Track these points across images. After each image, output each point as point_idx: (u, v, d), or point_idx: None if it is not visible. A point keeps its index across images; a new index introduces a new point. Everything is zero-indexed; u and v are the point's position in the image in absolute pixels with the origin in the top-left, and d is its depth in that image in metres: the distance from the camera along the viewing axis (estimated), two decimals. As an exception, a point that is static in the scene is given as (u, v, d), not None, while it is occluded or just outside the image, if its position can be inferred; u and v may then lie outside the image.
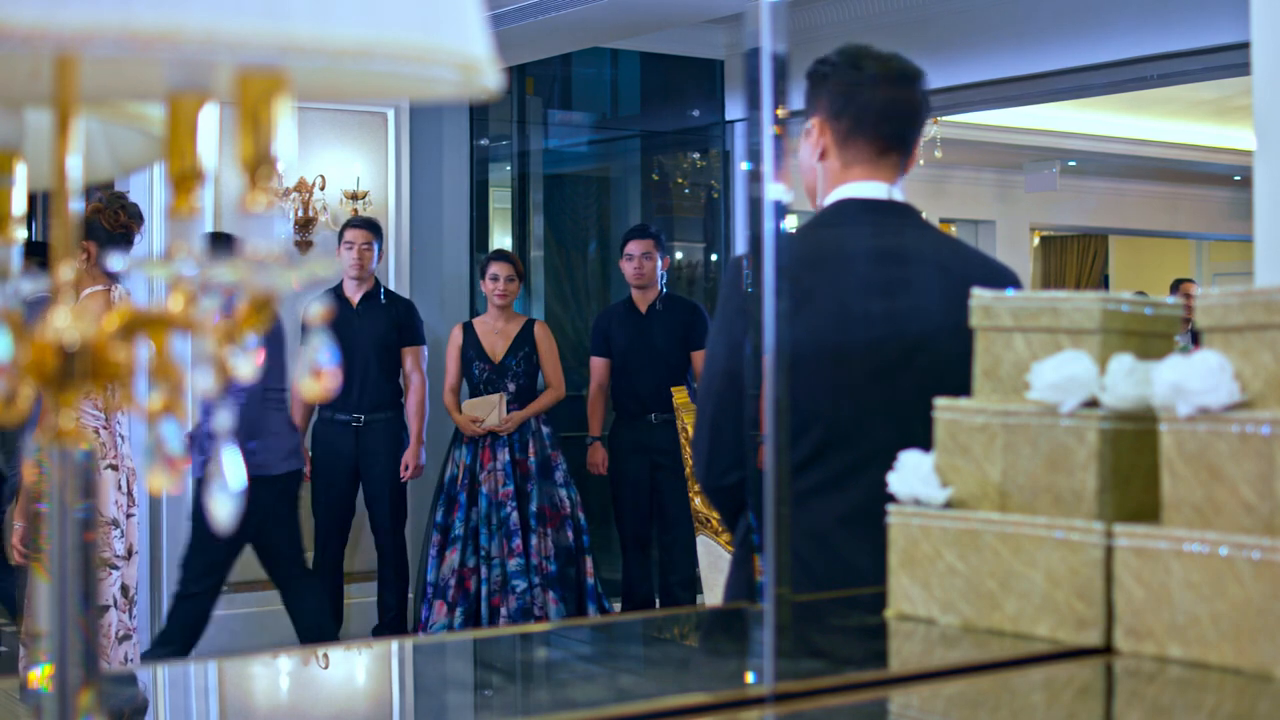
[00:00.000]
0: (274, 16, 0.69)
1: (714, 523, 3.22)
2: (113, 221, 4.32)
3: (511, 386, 6.26)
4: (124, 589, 4.35)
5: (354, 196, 6.47)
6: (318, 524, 6.15)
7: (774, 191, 1.38)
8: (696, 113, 6.68)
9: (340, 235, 6.22)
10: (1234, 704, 1.38)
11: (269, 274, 0.78)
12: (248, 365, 0.83)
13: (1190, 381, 1.46)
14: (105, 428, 4.24)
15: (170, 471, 0.83)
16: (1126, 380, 1.54)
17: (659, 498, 6.23)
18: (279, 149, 0.79)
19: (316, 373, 0.77)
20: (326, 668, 1.54)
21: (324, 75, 0.79)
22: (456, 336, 6.42)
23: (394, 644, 2.00)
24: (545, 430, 6.32)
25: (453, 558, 6.10)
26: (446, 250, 6.94)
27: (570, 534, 6.20)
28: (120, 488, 4.28)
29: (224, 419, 0.79)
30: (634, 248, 6.24)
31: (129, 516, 4.36)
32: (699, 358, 6.10)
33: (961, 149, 10.20)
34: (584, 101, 8.02)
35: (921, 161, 8.24)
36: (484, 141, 7.09)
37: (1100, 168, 11.75)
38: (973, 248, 2.42)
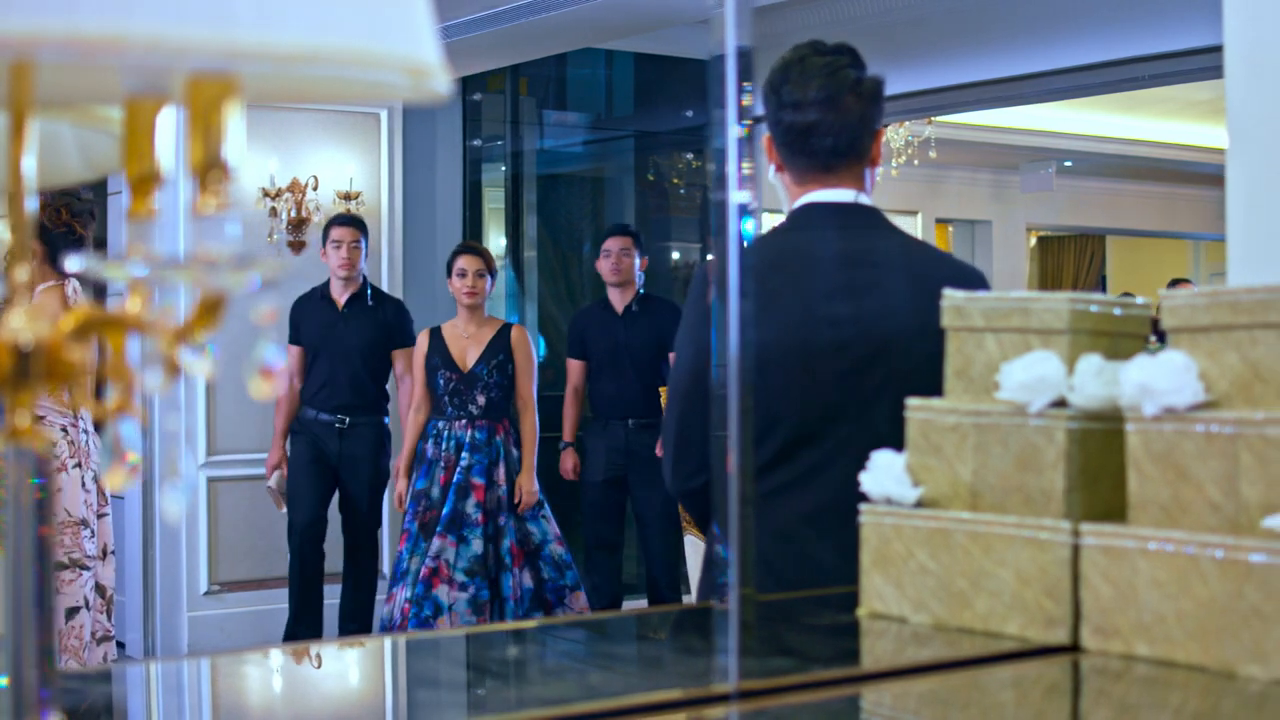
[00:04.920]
0: (219, 23, 0.70)
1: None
2: (54, 220, 4.31)
3: (480, 399, 5.66)
4: (99, 589, 4.34)
5: (347, 197, 6.47)
6: (292, 523, 5.95)
7: (737, 195, 1.39)
8: (690, 113, 6.68)
9: (326, 234, 6.01)
10: (1199, 702, 1.39)
11: (220, 276, 0.79)
12: (203, 366, 0.84)
13: (1156, 382, 1.47)
14: (73, 425, 4.24)
15: (128, 471, 0.84)
16: (1095, 380, 1.55)
17: (635, 503, 6.01)
18: (230, 152, 0.81)
19: (264, 373, 0.78)
20: (300, 664, 1.55)
21: (274, 79, 0.80)
22: (422, 343, 5.82)
23: (361, 641, 2.01)
24: (516, 454, 5.71)
25: (400, 595, 5.46)
26: (439, 251, 6.92)
27: (536, 575, 5.54)
28: (87, 487, 4.27)
29: (173, 420, 0.80)
30: (612, 244, 6.04)
31: (100, 516, 4.35)
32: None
33: (958, 149, 10.22)
34: (578, 102, 8.03)
35: (916, 161, 8.24)
36: (477, 142, 7.09)
37: (1096, 168, 11.77)
38: (939, 250, 2.44)
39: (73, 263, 0.89)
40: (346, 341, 5.91)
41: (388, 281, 6.67)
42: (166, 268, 0.79)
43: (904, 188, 10.83)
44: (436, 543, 5.40)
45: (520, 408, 5.72)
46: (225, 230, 0.81)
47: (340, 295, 5.97)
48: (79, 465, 4.25)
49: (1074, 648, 1.52)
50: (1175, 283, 10.83)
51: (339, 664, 1.53)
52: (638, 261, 6.01)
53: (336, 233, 5.92)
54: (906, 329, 2.14)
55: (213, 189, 0.80)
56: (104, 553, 4.38)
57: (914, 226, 11.76)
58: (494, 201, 7.58)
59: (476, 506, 5.46)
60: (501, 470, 5.58)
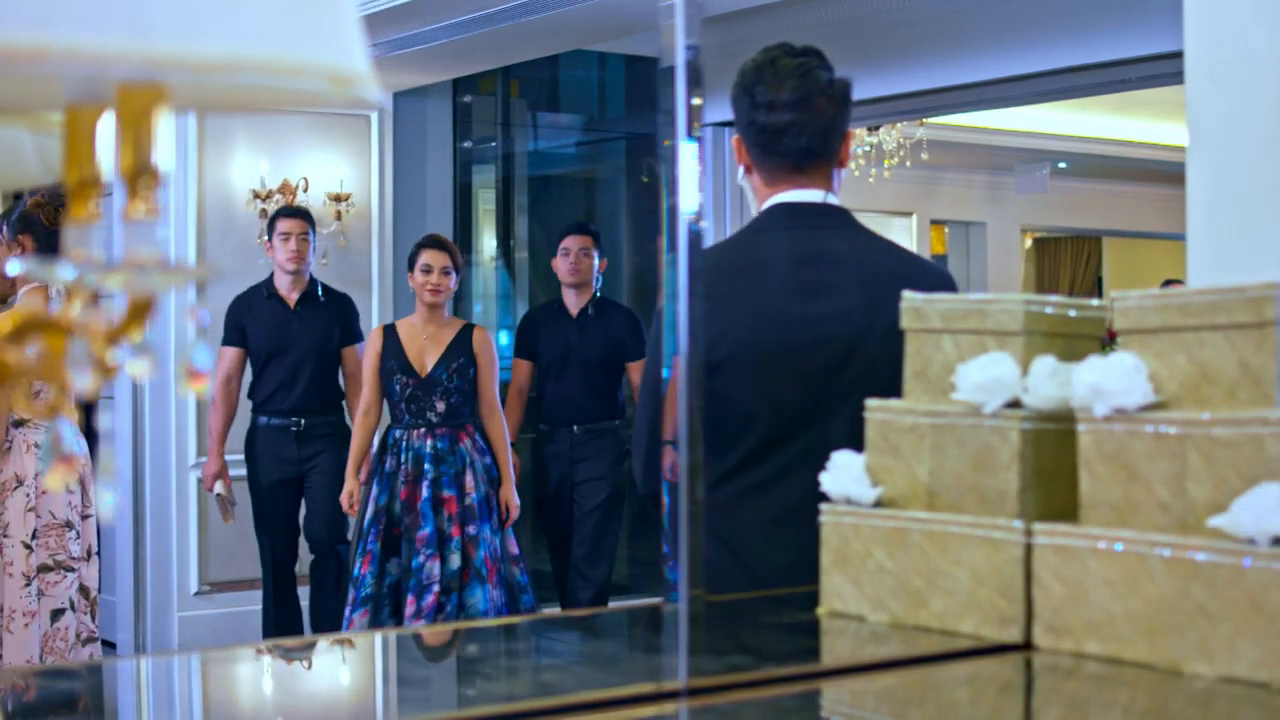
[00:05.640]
0: (138, 33, 0.72)
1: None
2: (51, 218, 4.32)
3: (440, 405, 5.21)
4: (83, 590, 4.36)
5: (337, 199, 6.47)
6: (261, 535, 5.64)
7: (687, 199, 1.41)
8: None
9: (271, 227, 5.63)
10: (1147, 700, 1.41)
11: (149, 279, 0.81)
12: (140, 367, 0.86)
13: (1107, 383, 1.49)
14: None
15: (67, 470, 0.86)
16: (1049, 381, 1.57)
17: (581, 513, 5.66)
18: (159, 159, 0.82)
19: (192, 374, 0.80)
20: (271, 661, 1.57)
21: (202, 87, 0.82)
22: (374, 341, 5.32)
23: (321, 640, 2.03)
24: (485, 461, 5.27)
25: (362, 621, 5.04)
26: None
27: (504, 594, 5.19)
28: (71, 489, 4.29)
29: (107, 419, 0.82)
30: (571, 243, 5.70)
31: (85, 518, 4.37)
32: (636, 369, 5.57)
33: (952, 151, 10.23)
34: (570, 103, 8.05)
35: (908, 163, 8.24)
36: (468, 144, 7.10)
37: (1091, 169, 11.78)
38: (907, 250, 2.46)
39: (12, 266, 0.90)
40: (302, 342, 5.54)
41: (378, 284, 6.65)
42: (99, 271, 0.81)
43: (898, 189, 10.85)
44: (433, 566, 5.04)
45: (485, 413, 5.32)
46: (156, 234, 0.82)
47: (290, 292, 5.61)
48: None
49: (1027, 646, 1.54)
50: (1168, 283, 10.85)
51: (296, 661, 1.55)
52: (596, 263, 5.72)
53: (284, 224, 5.56)
54: (876, 328, 2.16)
55: (143, 195, 0.82)
56: (88, 554, 4.40)
57: (909, 228, 11.79)
58: (488, 203, 7.60)
59: (449, 519, 5.11)
60: (470, 478, 5.18)
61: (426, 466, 5.11)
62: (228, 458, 5.61)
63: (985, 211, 12.34)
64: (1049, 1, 5.55)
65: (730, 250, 2.30)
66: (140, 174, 0.82)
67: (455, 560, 5.05)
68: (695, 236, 1.40)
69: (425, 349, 5.23)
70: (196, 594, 6.16)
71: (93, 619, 4.39)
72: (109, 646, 5.93)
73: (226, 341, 5.62)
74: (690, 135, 1.38)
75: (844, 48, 6.16)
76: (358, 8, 0.86)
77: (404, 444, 5.17)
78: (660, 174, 1.31)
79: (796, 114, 2.23)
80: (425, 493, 5.06)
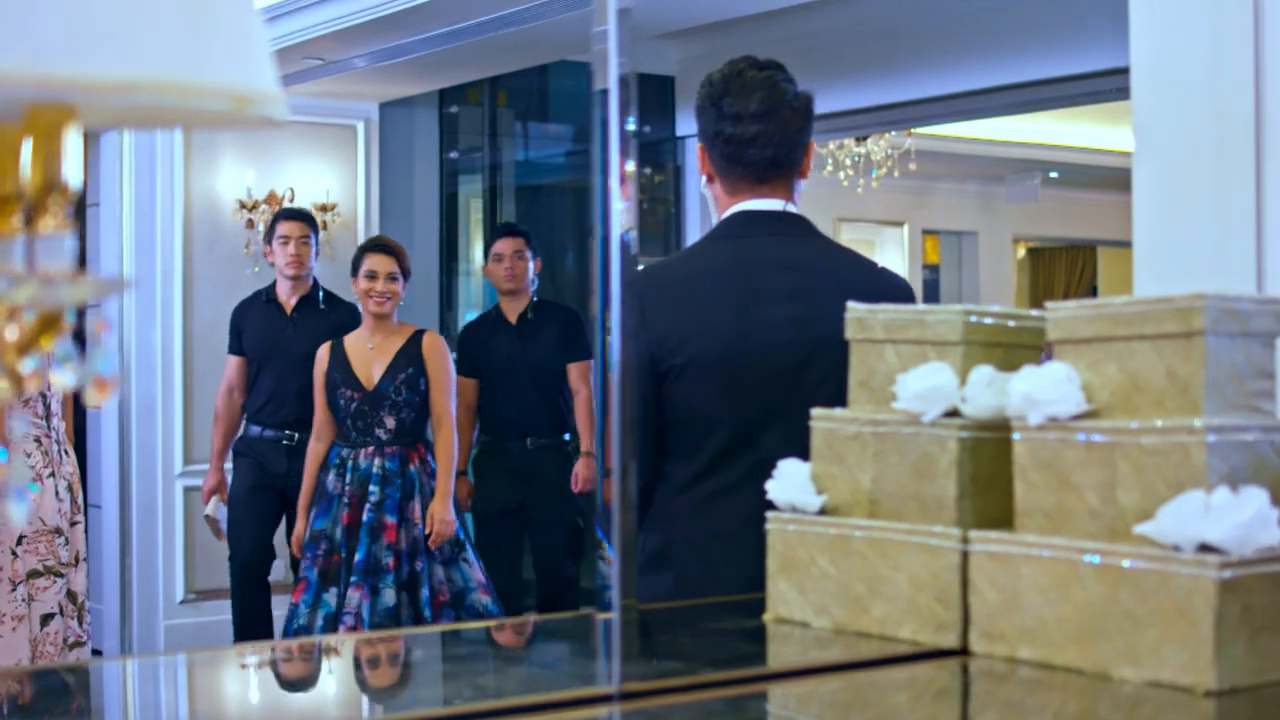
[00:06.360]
0: (31, 55, 0.74)
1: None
2: None
3: (389, 422, 4.77)
4: (71, 595, 4.39)
5: (324, 209, 6.49)
6: (233, 557, 5.32)
7: (617, 209, 1.44)
8: (648, 128, 6.70)
9: (271, 230, 5.37)
10: (1076, 704, 1.43)
11: (57, 292, 0.84)
12: (62, 377, 0.88)
13: (1040, 392, 1.51)
14: (46, 436, 4.28)
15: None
16: (986, 391, 1.59)
17: (533, 532, 5.42)
18: (69, 175, 0.85)
19: (99, 383, 0.82)
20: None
21: (104, 107, 0.84)
22: (322, 358, 4.89)
23: (251, 647, 2.05)
24: (434, 486, 4.79)
25: None
26: (416, 263, 6.92)
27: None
28: (61, 495, 4.32)
29: (18, 426, 0.84)
30: (504, 246, 5.39)
31: (74, 524, 4.39)
32: (576, 371, 5.36)
33: (943, 161, 10.27)
34: (558, 114, 8.08)
35: (896, 173, 8.24)
36: (454, 154, 7.12)
37: (1082, 179, 11.81)
38: (866, 258, 2.50)
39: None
40: (295, 349, 5.20)
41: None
42: (8, 285, 0.83)
43: (890, 199, 10.88)
44: (354, 596, 4.55)
45: (435, 425, 4.85)
46: (65, 247, 0.85)
47: (288, 298, 5.35)
48: (53, 475, 4.30)
49: (963, 651, 1.56)
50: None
51: (233, 666, 1.57)
52: (532, 265, 5.41)
53: (284, 227, 5.31)
54: (837, 334, 2.20)
55: (52, 210, 0.84)
56: (76, 560, 4.42)
57: (901, 238, 11.82)
58: (475, 212, 7.62)
59: (388, 549, 4.62)
60: (417, 505, 4.70)
61: (372, 488, 4.68)
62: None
63: (977, 221, 12.37)
64: (1032, 13, 5.58)
65: (691, 257, 2.33)
66: (50, 191, 0.84)
67: (389, 597, 4.57)
68: (626, 245, 1.43)
69: (371, 360, 4.82)
70: (182, 602, 6.19)
71: (80, 624, 4.41)
72: (95, 654, 5.95)
73: (230, 350, 5.42)
74: (625, 154, 1.41)
75: (823, 59, 6.19)
76: (264, 27, 0.89)
77: (350, 463, 4.75)
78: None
79: (763, 125, 2.28)
80: (366, 516, 4.63)
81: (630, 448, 1.41)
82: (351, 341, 4.85)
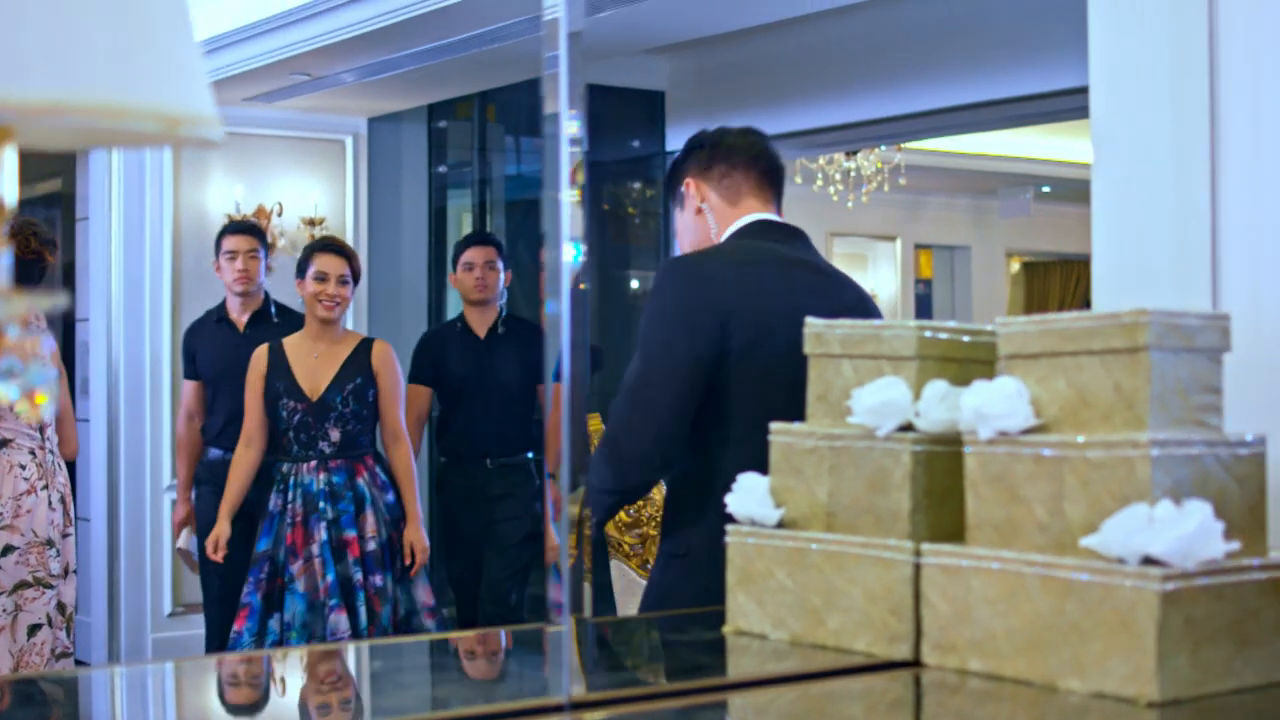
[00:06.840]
0: (-36, 77, 0.77)
1: (625, 547, 3.28)
2: (23, 248, 4.34)
3: (334, 434, 4.45)
4: (60, 607, 4.40)
5: (312, 223, 6.51)
6: (208, 580, 4.97)
7: (568, 217, 1.46)
8: (636, 143, 6.71)
9: (218, 245, 5.06)
10: (1025, 716, 1.45)
11: (-8, 308, 0.85)
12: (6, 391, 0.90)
13: (990, 406, 1.53)
14: (40, 448, 4.30)
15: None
16: (939, 405, 1.61)
17: (496, 551, 5.04)
18: (5, 193, 0.87)
19: (30, 394, 0.84)
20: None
21: (37, 127, 0.86)
22: (259, 361, 4.54)
23: (224, 658, 2.06)
24: (387, 499, 4.49)
25: None
26: (405, 278, 6.94)
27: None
28: (53, 507, 4.33)
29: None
30: (474, 255, 5.06)
31: (65, 536, 4.41)
32: (544, 393, 4.95)
33: (936, 175, 10.30)
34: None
35: (886, 188, 8.25)
36: (443, 168, 7.14)
37: (1075, 193, 11.83)
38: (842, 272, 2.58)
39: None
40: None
41: (352, 309, 6.64)
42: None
43: (883, 213, 10.92)
44: (340, 619, 4.28)
45: (389, 440, 4.55)
46: (1, 265, 0.87)
47: (239, 315, 5.06)
48: (46, 486, 4.31)
49: (916, 663, 1.58)
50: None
51: (201, 677, 1.58)
52: (502, 276, 5.10)
53: (230, 241, 5.00)
54: None
55: (-11, 227, 0.86)
56: (66, 571, 4.44)
57: (893, 252, 11.85)
58: (466, 226, 7.63)
59: (355, 565, 4.34)
60: (370, 519, 4.40)
61: (322, 505, 4.37)
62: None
63: (970, 235, 12.41)
64: (1021, 28, 5.61)
65: (722, 251, 2.39)
66: (-15, 207, 0.86)
67: (364, 615, 4.32)
68: (576, 271, 1.45)
69: (316, 369, 4.48)
70: (170, 615, 6.19)
71: (68, 635, 4.43)
72: (83, 666, 5.96)
73: (185, 374, 5.16)
74: (573, 173, 1.44)
75: (811, 74, 6.20)
76: (199, 49, 0.91)
77: (292, 479, 4.44)
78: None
79: (757, 139, 2.52)
80: (323, 535, 4.32)
81: (579, 457, 1.43)
82: (293, 347, 4.51)
